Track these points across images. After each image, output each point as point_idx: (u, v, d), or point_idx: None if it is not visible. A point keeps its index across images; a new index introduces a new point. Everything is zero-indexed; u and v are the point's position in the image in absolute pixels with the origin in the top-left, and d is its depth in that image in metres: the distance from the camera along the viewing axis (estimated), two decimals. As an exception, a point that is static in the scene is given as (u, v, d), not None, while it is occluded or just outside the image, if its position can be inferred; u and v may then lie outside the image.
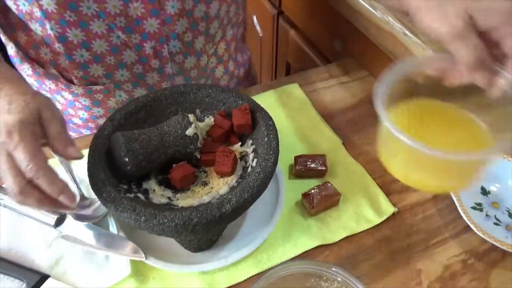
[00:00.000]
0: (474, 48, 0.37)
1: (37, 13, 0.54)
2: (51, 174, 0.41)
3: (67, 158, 0.44)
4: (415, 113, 0.47)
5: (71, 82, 0.63)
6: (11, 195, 0.41)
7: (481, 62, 0.37)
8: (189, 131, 0.49)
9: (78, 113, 0.68)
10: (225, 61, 0.73)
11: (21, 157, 0.40)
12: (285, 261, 0.35)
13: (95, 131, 0.68)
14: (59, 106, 0.68)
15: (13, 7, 0.56)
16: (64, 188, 0.42)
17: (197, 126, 0.50)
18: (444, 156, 0.37)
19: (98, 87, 0.63)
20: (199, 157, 0.50)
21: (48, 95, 0.67)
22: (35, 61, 0.63)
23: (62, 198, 0.41)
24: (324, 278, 0.35)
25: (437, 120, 0.47)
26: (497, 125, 0.44)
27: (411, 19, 0.44)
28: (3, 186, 0.42)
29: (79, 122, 0.70)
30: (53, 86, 0.65)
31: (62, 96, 0.66)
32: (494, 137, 0.44)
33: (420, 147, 0.37)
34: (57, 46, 0.56)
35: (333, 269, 0.34)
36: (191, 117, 0.49)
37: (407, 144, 0.37)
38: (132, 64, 0.61)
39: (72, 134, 0.73)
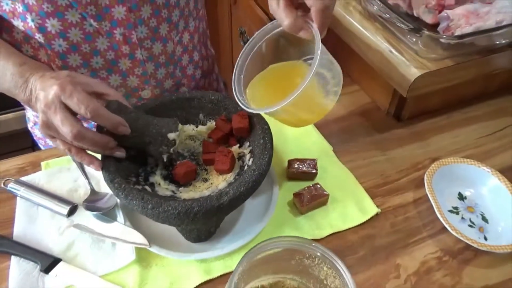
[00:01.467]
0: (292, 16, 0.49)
1: (19, 8, 0.59)
2: (107, 112, 0.49)
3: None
4: (267, 77, 0.58)
5: None
6: (68, 138, 0.48)
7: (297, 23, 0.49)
8: (171, 135, 0.54)
9: None
10: (190, 50, 0.77)
11: (79, 100, 0.48)
12: (269, 238, 0.40)
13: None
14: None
15: None
16: (121, 121, 0.50)
17: (179, 135, 0.55)
18: (284, 103, 0.47)
19: None
20: (164, 159, 0.55)
21: None
22: None
23: (121, 129, 0.50)
24: (307, 255, 0.39)
25: (281, 75, 0.58)
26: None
27: None
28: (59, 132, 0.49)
29: None
30: None
31: None
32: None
33: (269, 109, 0.49)
34: (38, 36, 0.61)
35: (313, 244, 0.39)
36: (180, 126, 0.55)
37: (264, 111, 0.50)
38: (105, 51, 0.66)
39: None
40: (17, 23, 0.61)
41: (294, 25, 0.50)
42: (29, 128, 0.84)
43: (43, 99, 0.49)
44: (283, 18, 0.50)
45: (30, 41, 0.63)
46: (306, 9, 0.51)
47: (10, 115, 1.81)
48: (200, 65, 0.82)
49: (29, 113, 0.80)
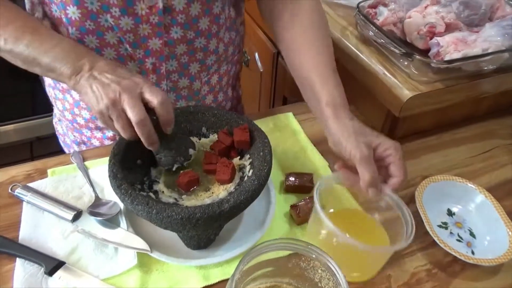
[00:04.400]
0: (373, 172, 0.53)
1: (64, 19, 0.62)
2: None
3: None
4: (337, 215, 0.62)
5: None
6: (134, 120, 0.51)
7: (374, 181, 0.54)
8: (191, 151, 0.60)
9: (82, 113, 0.75)
10: (216, 91, 0.80)
11: (152, 94, 0.52)
12: (266, 241, 0.42)
13: (94, 132, 0.78)
14: (67, 105, 0.76)
15: (48, 12, 0.65)
16: (156, 141, 0.54)
17: (196, 152, 0.61)
18: (357, 246, 0.49)
19: None
20: (174, 168, 0.59)
21: (60, 95, 0.76)
22: None
23: (154, 147, 0.55)
24: (303, 258, 0.42)
25: (350, 220, 0.63)
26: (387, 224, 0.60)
27: (327, 133, 0.61)
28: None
29: (82, 121, 0.77)
30: (65, 85, 0.72)
31: (71, 96, 0.74)
32: (386, 232, 0.59)
33: (339, 234, 0.50)
34: None
35: (309, 246, 0.41)
36: (197, 146, 0.62)
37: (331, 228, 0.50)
38: None
39: (75, 135, 0.80)
40: (63, 30, 0.64)
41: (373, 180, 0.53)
42: (53, 123, 0.89)
43: (123, 80, 0.52)
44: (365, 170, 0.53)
45: None
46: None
47: (10, 126, 1.83)
48: (223, 105, 0.85)
49: (56, 110, 0.84)
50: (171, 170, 0.58)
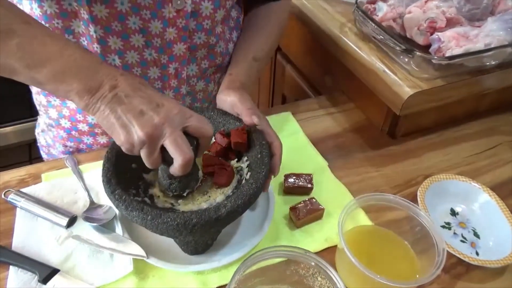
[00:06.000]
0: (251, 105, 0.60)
1: (84, 15, 0.57)
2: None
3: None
4: (364, 234, 0.60)
5: None
6: (181, 161, 0.45)
7: (255, 111, 0.59)
8: (200, 173, 0.56)
9: (87, 118, 0.71)
10: None
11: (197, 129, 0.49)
12: (262, 248, 0.41)
13: (98, 138, 0.74)
14: (65, 112, 0.70)
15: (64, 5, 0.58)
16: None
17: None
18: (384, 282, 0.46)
19: None
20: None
21: (57, 101, 0.70)
22: None
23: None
24: (302, 265, 0.41)
25: (377, 241, 0.60)
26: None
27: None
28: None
29: (85, 128, 0.72)
30: None
31: None
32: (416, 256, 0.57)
33: (367, 272, 0.46)
34: (95, 46, 0.61)
35: (308, 254, 0.40)
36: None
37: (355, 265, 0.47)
38: (154, 80, 0.68)
39: (69, 144, 0.75)
40: (78, 24, 0.60)
41: None
42: (36, 134, 0.84)
43: (159, 109, 0.45)
44: None
45: (81, 43, 0.62)
46: None
47: (9, 128, 1.82)
48: None
49: (41, 120, 0.80)
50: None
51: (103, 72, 0.46)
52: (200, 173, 0.56)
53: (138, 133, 0.44)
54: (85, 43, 0.62)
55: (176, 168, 0.46)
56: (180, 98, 0.72)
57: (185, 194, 0.54)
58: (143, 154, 0.46)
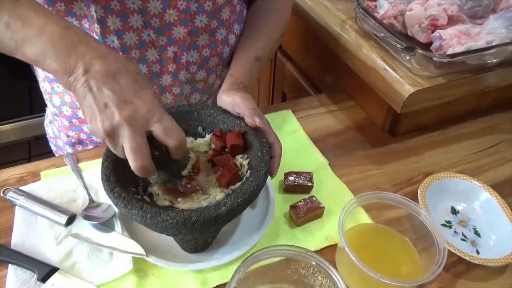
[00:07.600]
0: (253, 105, 0.59)
1: None
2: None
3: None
4: (365, 232, 0.60)
5: None
6: (177, 142, 0.45)
7: (257, 111, 0.58)
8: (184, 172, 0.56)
9: None
10: None
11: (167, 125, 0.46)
12: (264, 247, 0.40)
13: None
14: (67, 99, 0.71)
15: None
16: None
17: (193, 158, 0.58)
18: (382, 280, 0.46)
19: None
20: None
21: (60, 87, 0.71)
22: None
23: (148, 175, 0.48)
24: (302, 264, 0.40)
25: (378, 239, 0.59)
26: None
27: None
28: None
29: None
30: None
31: None
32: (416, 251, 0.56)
33: (366, 269, 0.46)
34: (95, 27, 0.61)
35: (308, 253, 0.40)
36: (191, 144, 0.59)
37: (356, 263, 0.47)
38: (153, 62, 0.67)
39: (71, 134, 0.77)
40: (79, 6, 0.59)
41: None
42: (45, 125, 0.86)
43: (125, 105, 0.43)
44: None
45: (82, 25, 0.62)
46: None
47: (8, 126, 1.82)
48: None
49: (48, 111, 0.81)
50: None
51: (80, 52, 0.45)
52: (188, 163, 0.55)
53: (99, 126, 0.43)
54: (86, 25, 0.62)
55: (134, 171, 0.45)
56: (179, 85, 0.71)
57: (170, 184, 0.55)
58: (110, 147, 0.46)
